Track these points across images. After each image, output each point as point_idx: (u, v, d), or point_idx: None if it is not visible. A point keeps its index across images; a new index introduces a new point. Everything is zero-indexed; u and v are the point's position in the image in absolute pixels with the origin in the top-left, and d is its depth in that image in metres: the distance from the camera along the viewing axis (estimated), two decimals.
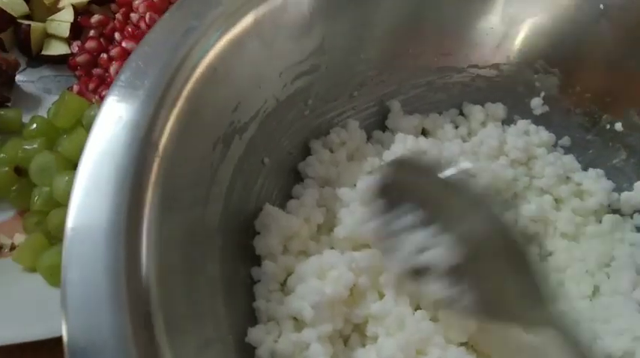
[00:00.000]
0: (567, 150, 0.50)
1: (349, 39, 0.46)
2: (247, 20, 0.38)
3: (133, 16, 0.55)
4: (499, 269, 0.36)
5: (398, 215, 0.37)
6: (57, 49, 0.57)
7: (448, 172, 0.37)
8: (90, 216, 0.28)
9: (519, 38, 0.50)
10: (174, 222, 0.32)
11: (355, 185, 0.44)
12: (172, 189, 0.32)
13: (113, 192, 0.29)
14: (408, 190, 0.38)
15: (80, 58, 0.55)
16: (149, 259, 0.29)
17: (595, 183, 0.46)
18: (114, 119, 0.31)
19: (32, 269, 0.43)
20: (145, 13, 0.54)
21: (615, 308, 0.41)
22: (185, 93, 0.34)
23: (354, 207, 0.41)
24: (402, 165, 0.40)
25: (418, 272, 0.36)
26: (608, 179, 0.47)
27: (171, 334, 0.28)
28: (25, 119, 0.52)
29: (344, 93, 0.48)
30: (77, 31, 0.58)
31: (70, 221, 0.28)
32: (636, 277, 0.42)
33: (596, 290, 0.42)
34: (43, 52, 0.58)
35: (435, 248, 0.35)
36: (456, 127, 0.50)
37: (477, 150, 0.47)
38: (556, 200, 0.47)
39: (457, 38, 0.50)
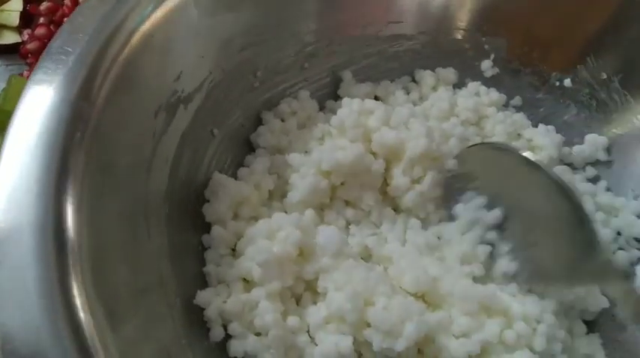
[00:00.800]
0: (519, 110, 0.50)
1: (290, 9, 0.46)
2: None
3: (82, 2, 0.55)
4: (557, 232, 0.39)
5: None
6: (8, 38, 0.57)
7: None
8: (17, 185, 0.27)
9: (463, 1, 0.50)
10: (113, 192, 0.32)
11: (306, 151, 0.44)
12: (109, 157, 0.32)
13: (42, 157, 0.28)
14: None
15: (31, 46, 0.54)
16: (82, 237, 0.28)
17: (544, 137, 0.46)
18: (43, 85, 0.31)
19: None
20: None
21: None
22: (120, 59, 0.34)
23: (305, 171, 0.41)
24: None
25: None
26: (559, 134, 0.48)
27: (114, 322, 0.28)
28: None
29: (294, 64, 0.48)
30: (27, 19, 0.57)
31: None
32: None
33: None
34: None
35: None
36: (408, 93, 0.51)
37: (428, 112, 0.48)
38: None
39: (402, 5, 0.50)
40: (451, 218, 0.42)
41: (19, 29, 0.57)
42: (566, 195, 0.39)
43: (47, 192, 0.28)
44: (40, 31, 0.55)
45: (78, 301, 0.27)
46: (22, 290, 0.26)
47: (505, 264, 0.39)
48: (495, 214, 0.40)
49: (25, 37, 0.56)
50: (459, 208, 0.41)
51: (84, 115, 0.31)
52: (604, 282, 0.38)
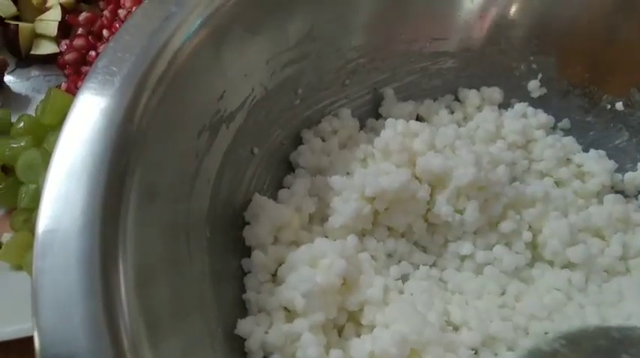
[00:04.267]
0: (567, 133, 0.48)
1: (337, 25, 0.45)
2: (229, 6, 0.37)
3: (121, 12, 0.55)
4: None
5: None
6: (46, 48, 0.57)
7: None
8: (64, 208, 0.27)
9: (512, 18, 0.48)
10: (156, 215, 0.31)
11: (348, 173, 0.43)
12: (154, 179, 0.31)
13: (89, 181, 0.27)
14: None
15: (69, 56, 0.54)
16: (127, 254, 0.27)
17: (596, 163, 0.44)
18: (89, 106, 0.30)
19: (19, 268, 0.42)
20: (132, 8, 0.53)
21: (624, 292, 0.39)
22: (166, 79, 0.33)
23: (348, 196, 0.40)
24: None
25: None
26: (610, 160, 0.46)
27: (152, 333, 0.27)
28: (15, 119, 0.51)
29: (336, 81, 0.47)
30: (66, 29, 0.57)
31: (43, 212, 0.26)
32: None
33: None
34: (32, 52, 0.57)
35: None
36: (452, 113, 0.49)
37: (473, 134, 0.46)
38: (557, 183, 0.45)
39: (448, 22, 0.49)
40: None
41: (57, 39, 0.57)
42: None
43: (93, 217, 0.27)
44: (78, 42, 0.54)
45: (120, 312, 0.26)
46: (65, 312, 0.25)
47: None
48: None
49: (63, 47, 0.56)
50: None
51: (130, 139, 0.30)
52: None
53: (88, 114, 0.30)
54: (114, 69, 0.31)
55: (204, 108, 0.36)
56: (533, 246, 0.42)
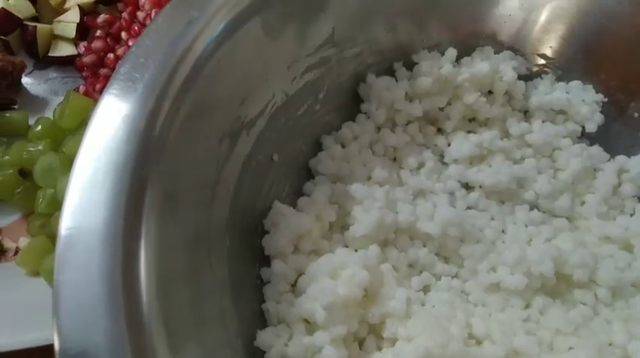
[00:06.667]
0: (593, 142, 0.47)
1: (359, 30, 0.44)
2: (251, 10, 0.37)
3: (140, 15, 0.54)
4: None
5: None
6: (64, 50, 0.57)
7: None
8: (85, 217, 0.26)
9: (539, 24, 0.47)
10: (177, 222, 0.30)
11: (369, 178, 0.42)
12: (175, 188, 0.31)
13: (110, 190, 0.27)
14: None
15: (87, 59, 0.54)
16: (149, 263, 0.27)
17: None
18: (111, 114, 0.29)
19: (36, 273, 0.42)
20: (151, 11, 0.53)
21: None
22: (187, 86, 0.32)
23: (369, 204, 0.39)
24: None
25: None
26: None
27: (173, 343, 0.26)
28: (32, 121, 0.51)
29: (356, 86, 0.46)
30: (84, 31, 0.57)
31: (64, 222, 0.26)
32: None
33: None
34: (50, 54, 0.57)
35: None
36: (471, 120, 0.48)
37: (495, 142, 0.45)
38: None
39: (473, 26, 0.48)
40: None
41: (75, 41, 0.57)
42: None
43: (115, 228, 0.26)
44: (96, 44, 0.54)
45: (141, 314, 0.25)
46: (86, 321, 0.24)
47: None
48: None
49: (82, 49, 0.56)
50: None
51: (152, 147, 0.29)
52: None
53: (110, 121, 0.29)
54: (136, 75, 0.31)
55: (226, 115, 0.36)
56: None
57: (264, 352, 0.33)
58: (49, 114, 0.53)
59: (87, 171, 0.28)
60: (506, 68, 0.45)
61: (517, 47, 0.48)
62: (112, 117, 0.29)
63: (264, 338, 0.33)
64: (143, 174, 0.28)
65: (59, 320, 0.24)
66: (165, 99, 0.31)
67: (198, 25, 0.34)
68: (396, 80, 0.46)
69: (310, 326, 0.34)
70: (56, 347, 0.24)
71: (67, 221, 0.26)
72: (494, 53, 0.47)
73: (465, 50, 0.47)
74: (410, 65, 0.47)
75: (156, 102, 0.30)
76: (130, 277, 0.26)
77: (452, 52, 0.46)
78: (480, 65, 0.45)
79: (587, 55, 0.47)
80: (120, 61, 0.31)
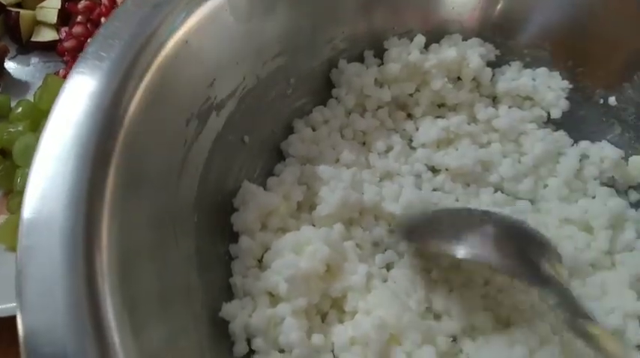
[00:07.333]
0: (559, 127, 0.48)
1: (325, 15, 0.45)
2: None
3: (119, 1, 0.55)
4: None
5: None
6: (46, 35, 0.58)
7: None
8: (50, 187, 0.27)
9: (508, 12, 0.48)
10: (141, 197, 0.31)
11: (337, 161, 0.43)
12: (139, 164, 0.32)
13: (75, 162, 0.28)
14: None
15: (68, 44, 0.55)
16: (111, 237, 0.28)
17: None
18: (78, 91, 0.30)
19: (14, 249, 0.43)
20: None
21: (608, 287, 0.40)
22: (154, 65, 0.33)
23: (335, 185, 0.40)
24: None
25: None
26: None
27: (136, 319, 0.27)
28: (14, 105, 0.52)
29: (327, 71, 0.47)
30: (65, 17, 0.58)
31: (29, 196, 0.27)
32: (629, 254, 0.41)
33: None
34: (33, 39, 0.58)
35: None
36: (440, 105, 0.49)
37: (462, 127, 0.46)
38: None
39: (443, 14, 0.49)
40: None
41: (56, 27, 0.58)
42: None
43: (78, 199, 0.27)
44: (77, 29, 0.55)
45: (103, 305, 0.26)
46: (48, 292, 0.25)
47: None
48: None
49: (63, 34, 0.57)
50: None
51: (117, 123, 0.30)
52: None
53: (76, 98, 0.30)
54: (103, 54, 0.32)
55: (194, 96, 0.37)
56: None
57: (228, 322, 0.34)
58: (31, 97, 0.54)
59: (53, 143, 0.29)
60: (473, 55, 0.46)
61: (486, 35, 0.49)
62: (78, 94, 0.30)
63: (229, 309, 0.35)
64: (107, 148, 0.29)
65: (22, 289, 0.25)
66: (131, 78, 0.32)
67: (166, 8, 0.35)
68: (367, 67, 0.47)
69: (274, 299, 0.36)
70: (19, 316, 0.25)
71: (33, 191, 0.27)
72: (463, 40, 0.48)
73: (435, 38, 0.49)
74: (382, 52, 0.48)
75: (121, 81, 0.31)
76: (91, 247, 0.27)
77: (420, 39, 0.47)
78: (447, 52, 0.46)
79: (555, 42, 0.48)
80: (88, 41, 0.32)
